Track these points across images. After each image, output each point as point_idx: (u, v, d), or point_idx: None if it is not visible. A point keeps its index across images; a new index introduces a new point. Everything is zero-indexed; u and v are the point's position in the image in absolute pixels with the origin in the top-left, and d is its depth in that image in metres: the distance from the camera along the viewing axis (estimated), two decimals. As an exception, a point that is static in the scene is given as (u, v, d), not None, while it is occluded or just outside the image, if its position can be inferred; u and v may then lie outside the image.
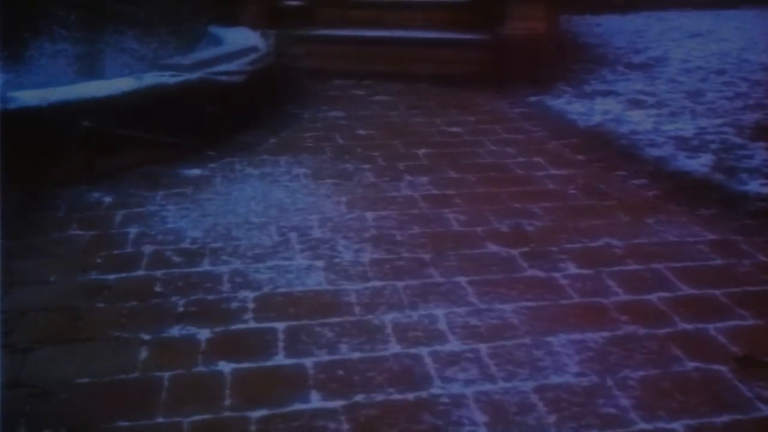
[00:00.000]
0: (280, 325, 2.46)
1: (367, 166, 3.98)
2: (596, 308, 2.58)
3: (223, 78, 4.37)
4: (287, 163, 4.03)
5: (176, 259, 2.93)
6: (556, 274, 2.81)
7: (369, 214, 3.35)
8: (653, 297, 2.65)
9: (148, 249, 3.01)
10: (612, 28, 8.15)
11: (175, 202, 3.50)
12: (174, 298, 2.63)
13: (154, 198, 3.54)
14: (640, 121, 4.67)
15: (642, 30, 8.01)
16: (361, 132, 4.63)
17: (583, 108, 5.02)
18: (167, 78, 4.07)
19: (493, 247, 3.04)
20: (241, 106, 4.52)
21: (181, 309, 2.56)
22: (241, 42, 5.07)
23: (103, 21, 5.86)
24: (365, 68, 6.18)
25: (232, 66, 4.51)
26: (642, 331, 2.43)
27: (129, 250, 3.01)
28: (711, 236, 3.14)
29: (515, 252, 2.99)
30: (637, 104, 5.09)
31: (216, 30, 6.10)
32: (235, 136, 4.42)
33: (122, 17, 6.01)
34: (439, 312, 2.54)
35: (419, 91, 5.67)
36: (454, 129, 4.68)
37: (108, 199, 3.53)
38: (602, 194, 3.60)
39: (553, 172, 3.90)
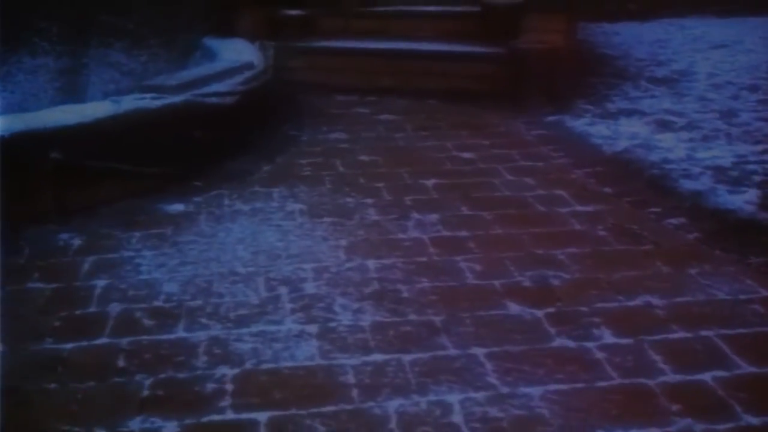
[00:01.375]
0: (263, 416, 2.05)
1: (369, 201, 3.57)
2: (641, 392, 2.16)
3: (213, 100, 3.97)
4: (281, 197, 3.62)
5: (146, 322, 2.52)
6: (590, 344, 2.39)
7: (371, 263, 2.94)
8: (707, 377, 2.23)
9: (115, 309, 2.60)
10: (631, 38, 7.72)
11: (152, 245, 3.09)
12: (139, 377, 2.22)
13: (129, 240, 3.14)
14: (671, 146, 4.24)
15: (663, 40, 7.58)
16: (364, 158, 4.22)
17: (607, 130, 4.60)
18: (148, 102, 3.67)
19: (514, 308, 2.62)
20: (232, 129, 4.12)
21: (146, 392, 2.16)
22: (235, 58, 4.66)
23: (89, 33, 5.46)
24: (370, 83, 5.77)
25: (223, 86, 4.10)
26: (699, 427, 2.01)
27: (93, 309, 2.61)
28: (766, 292, 2.72)
29: (540, 314, 2.57)
30: (665, 126, 4.66)
31: (210, 42, 5.71)
32: (226, 164, 4.01)
33: (109, 28, 5.61)
34: (453, 398, 2.13)
35: (428, 109, 5.26)
36: (467, 155, 4.26)
37: (77, 242, 3.12)
38: (636, 237, 3.18)
39: (579, 208, 3.48)
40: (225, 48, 5.34)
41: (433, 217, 3.38)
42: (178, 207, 3.48)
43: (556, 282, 2.80)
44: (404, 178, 3.90)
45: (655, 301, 2.66)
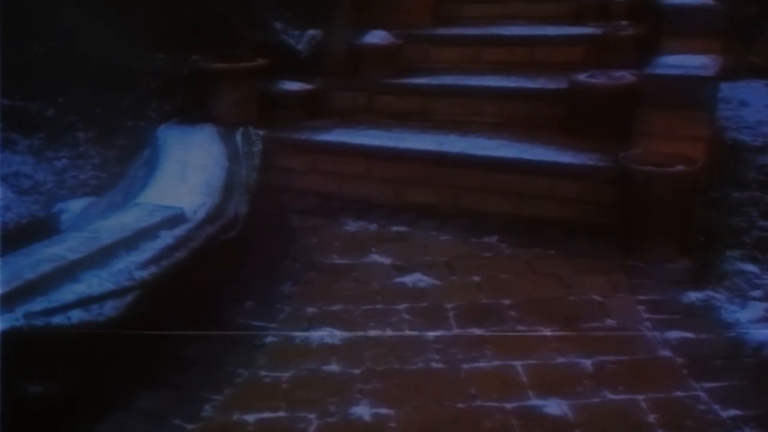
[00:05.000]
0: None
1: None
2: None
3: (74, 317, 2.09)
4: None
5: None
6: None
7: None
8: None
9: None
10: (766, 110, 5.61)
11: None
12: None
13: None
14: None
15: (816, 115, 5.45)
16: (363, 411, 2.26)
17: (807, 344, 2.57)
18: None
19: None
20: (118, 359, 2.23)
21: None
22: (148, 209, 2.77)
23: (-22, 127, 3.69)
24: (398, 197, 3.88)
25: (103, 281, 2.22)
26: None
27: None
28: None
29: None
30: None
31: (167, 133, 3.95)
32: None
33: (15, 118, 3.84)
34: None
35: (485, 260, 3.30)
36: (554, 408, 2.28)
37: None
38: None
39: None
40: (174, 151, 3.55)
41: None
42: None
43: None
44: (433, 493, 1.95)
45: None
